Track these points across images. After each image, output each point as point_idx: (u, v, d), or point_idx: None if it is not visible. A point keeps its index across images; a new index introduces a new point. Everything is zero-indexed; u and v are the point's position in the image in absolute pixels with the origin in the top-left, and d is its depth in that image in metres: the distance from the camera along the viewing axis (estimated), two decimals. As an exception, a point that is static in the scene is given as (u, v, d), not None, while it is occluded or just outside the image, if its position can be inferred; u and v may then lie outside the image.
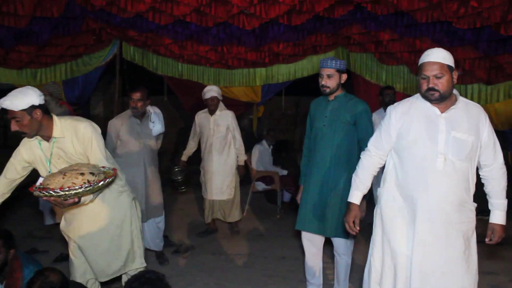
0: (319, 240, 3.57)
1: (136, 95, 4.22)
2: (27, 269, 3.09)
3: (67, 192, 2.36)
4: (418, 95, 2.66)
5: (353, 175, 2.88)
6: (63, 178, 2.42)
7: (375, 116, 5.56)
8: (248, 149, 6.40)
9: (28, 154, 2.79)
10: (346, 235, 3.33)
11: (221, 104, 5.44)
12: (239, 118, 11.57)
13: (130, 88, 4.34)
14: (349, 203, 2.83)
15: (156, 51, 6.99)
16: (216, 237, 5.44)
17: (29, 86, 2.68)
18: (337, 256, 3.58)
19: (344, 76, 3.41)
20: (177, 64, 7.29)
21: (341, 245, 3.50)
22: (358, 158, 2.97)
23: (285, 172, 6.69)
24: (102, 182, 2.48)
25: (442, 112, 2.53)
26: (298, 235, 5.29)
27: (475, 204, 2.62)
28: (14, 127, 2.60)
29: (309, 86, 9.26)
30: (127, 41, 6.93)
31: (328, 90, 3.39)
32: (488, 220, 2.70)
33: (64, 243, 3.35)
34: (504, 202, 2.67)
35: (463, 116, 2.52)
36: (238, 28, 6.04)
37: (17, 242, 3.47)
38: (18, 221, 6.02)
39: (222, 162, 5.35)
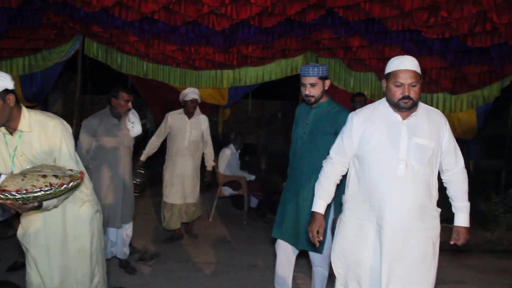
0: (293, 249, 3.47)
1: (130, 97, 4.14)
2: None
3: (24, 195, 2.13)
4: (380, 101, 2.66)
5: (316, 183, 2.81)
6: (23, 180, 2.21)
7: None
8: (214, 153, 6.25)
9: None
10: (316, 248, 3.21)
11: (197, 108, 5.33)
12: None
13: (117, 88, 4.18)
14: (313, 212, 2.75)
15: (121, 49, 6.72)
16: (182, 244, 5.25)
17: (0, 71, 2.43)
18: (314, 268, 3.49)
19: (328, 82, 3.29)
20: (142, 63, 7.03)
21: (317, 257, 3.41)
22: None
23: (252, 177, 6.57)
24: (65, 186, 2.23)
25: (403, 118, 2.54)
26: (267, 242, 5.22)
27: (439, 210, 2.62)
28: None
29: (274, 90, 9.22)
30: (90, 37, 6.62)
31: (313, 99, 3.25)
32: (453, 228, 2.73)
33: (19, 249, 3.07)
34: (467, 205, 2.72)
35: (424, 123, 2.54)
36: (208, 28, 5.89)
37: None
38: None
39: (195, 166, 5.28)
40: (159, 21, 5.73)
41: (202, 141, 5.36)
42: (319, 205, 2.74)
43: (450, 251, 5.02)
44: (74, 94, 6.94)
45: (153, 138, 5.33)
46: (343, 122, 3.00)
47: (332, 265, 2.75)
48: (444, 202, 2.72)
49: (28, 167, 2.43)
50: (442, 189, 2.68)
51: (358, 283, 2.62)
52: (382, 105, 2.63)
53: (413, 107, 2.50)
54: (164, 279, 4.20)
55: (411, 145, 2.50)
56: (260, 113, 11.25)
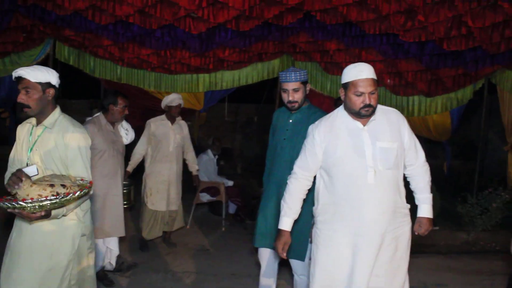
0: (275, 257, 3.43)
1: (127, 103, 4.05)
2: None
3: (30, 204, 2.16)
4: (338, 110, 2.68)
5: (282, 201, 2.79)
6: (31, 187, 2.24)
7: None
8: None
9: (20, 133, 2.66)
10: (300, 256, 3.19)
11: None
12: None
13: (115, 94, 4.06)
14: (280, 230, 2.73)
15: (94, 53, 6.54)
16: (160, 253, 5.11)
17: None
18: (296, 277, 3.42)
19: (309, 86, 3.25)
20: (116, 67, 6.86)
21: (298, 266, 3.35)
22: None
23: (231, 183, 6.48)
24: (71, 195, 2.24)
25: (364, 125, 2.56)
26: (247, 249, 5.14)
27: (408, 205, 2.68)
28: (21, 97, 2.49)
29: (249, 93, 9.16)
30: (61, 41, 6.41)
31: (297, 105, 3.20)
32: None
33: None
34: (429, 196, 2.79)
35: (384, 125, 2.58)
36: (184, 32, 5.80)
37: None
38: None
39: (179, 171, 5.25)
40: (134, 24, 5.61)
41: (183, 147, 5.35)
42: (285, 223, 2.73)
43: (429, 253, 5.07)
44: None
45: (138, 147, 5.19)
46: None
47: (312, 278, 2.71)
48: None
49: (37, 162, 2.51)
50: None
51: None
52: (340, 114, 2.65)
53: (373, 113, 2.54)
54: (144, 291, 4.07)
55: (376, 151, 2.53)
56: (235, 117, 11.17)
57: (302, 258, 3.24)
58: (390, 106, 6.86)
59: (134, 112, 6.91)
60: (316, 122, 2.72)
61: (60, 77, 2.69)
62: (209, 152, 6.60)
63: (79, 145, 2.55)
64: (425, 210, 2.79)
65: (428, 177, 2.77)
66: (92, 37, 6.05)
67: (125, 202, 4.51)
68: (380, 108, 2.62)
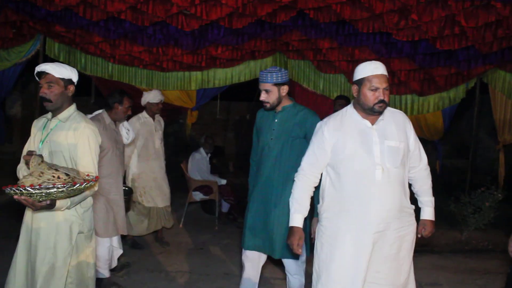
0: (262, 259, 3.42)
1: (131, 103, 4.02)
2: None
3: (37, 191, 2.20)
4: (347, 109, 2.72)
5: (290, 198, 2.79)
6: (40, 175, 2.28)
7: None
8: (181, 156, 6.12)
9: (35, 127, 2.77)
10: (294, 256, 3.17)
11: None
12: (169, 123, 11.20)
13: (121, 93, 4.03)
14: (292, 226, 2.72)
15: (85, 50, 6.45)
16: (152, 252, 5.06)
17: None
18: (289, 277, 3.41)
19: (285, 88, 3.21)
20: (108, 64, 6.78)
21: (292, 266, 3.34)
22: None
23: (224, 182, 6.43)
24: (77, 185, 2.28)
25: (372, 124, 2.60)
26: (240, 248, 5.09)
27: (413, 206, 2.70)
28: (43, 91, 2.60)
29: (241, 91, 9.12)
30: (52, 37, 6.31)
31: (268, 105, 3.21)
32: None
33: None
34: (431, 199, 2.84)
35: (391, 125, 2.62)
36: (176, 29, 5.74)
37: None
38: None
39: (164, 167, 5.25)
40: (126, 21, 5.54)
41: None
42: (296, 219, 2.73)
43: (422, 252, 5.07)
44: (34, 96, 6.62)
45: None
46: (312, 125, 2.99)
47: (316, 274, 2.71)
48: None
49: (45, 155, 2.59)
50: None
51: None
52: (349, 112, 2.68)
53: (384, 110, 2.57)
54: (137, 291, 4.03)
55: (384, 149, 2.56)
56: (227, 115, 11.12)
57: (296, 257, 3.22)
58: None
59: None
60: (325, 119, 2.74)
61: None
62: (202, 150, 6.55)
63: (89, 140, 2.62)
64: (429, 212, 2.84)
65: (430, 181, 2.82)
66: (83, 34, 5.97)
67: None
68: (388, 109, 2.64)
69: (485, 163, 9.57)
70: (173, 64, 6.81)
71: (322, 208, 2.72)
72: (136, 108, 5.59)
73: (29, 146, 2.74)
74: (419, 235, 2.81)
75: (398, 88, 6.89)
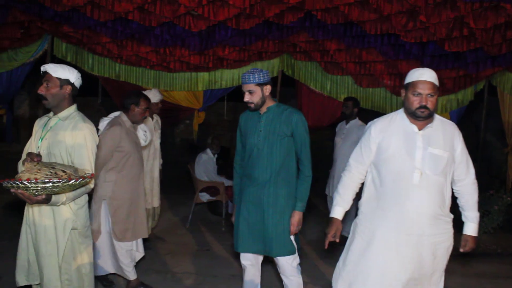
0: (259, 260, 3.45)
1: (149, 104, 3.99)
2: None
3: (33, 185, 2.28)
4: (397, 112, 2.80)
5: (335, 192, 2.96)
6: (38, 172, 2.36)
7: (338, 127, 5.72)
8: (187, 157, 6.12)
9: (37, 125, 2.88)
10: (289, 251, 3.22)
11: None
12: (175, 124, 11.18)
13: (138, 94, 3.97)
14: (331, 217, 2.90)
15: (92, 50, 6.48)
16: (159, 253, 5.05)
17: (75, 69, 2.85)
18: (285, 280, 3.39)
19: (267, 88, 3.21)
20: (115, 64, 6.81)
21: (287, 267, 3.32)
22: (297, 170, 3.22)
23: (230, 183, 6.41)
24: (72, 181, 2.36)
25: (419, 129, 2.67)
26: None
27: (452, 216, 2.73)
28: (41, 89, 2.72)
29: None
30: (59, 37, 6.35)
31: (253, 106, 3.22)
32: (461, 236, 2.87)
33: None
34: (476, 215, 2.85)
35: (439, 134, 2.68)
36: (184, 30, 5.76)
37: None
38: None
39: (159, 167, 5.22)
40: (133, 21, 5.57)
41: None
42: (337, 212, 2.90)
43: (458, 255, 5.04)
44: (42, 97, 6.65)
45: None
46: (298, 123, 3.17)
47: (344, 261, 2.84)
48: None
49: (43, 151, 2.70)
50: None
51: (364, 284, 2.70)
52: (399, 116, 2.77)
53: (429, 117, 2.63)
54: (143, 292, 4.01)
55: (426, 155, 2.63)
56: (233, 116, 11.12)
57: (293, 252, 3.26)
58: (390, 107, 6.96)
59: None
60: (375, 120, 2.85)
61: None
62: (208, 151, 6.54)
63: (86, 138, 2.71)
64: (472, 228, 2.84)
65: (476, 196, 2.83)
66: (91, 34, 6.00)
67: None
68: (439, 118, 2.74)
69: (494, 166, 9.50)
70: (180, 64, 6.83)
71: (360, 203, 2.86)
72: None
73: (30, 144, 2.86)
74: (460, 250, 2.85)
75: (406, 90, 6.85)
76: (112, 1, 5.04)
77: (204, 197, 6.29)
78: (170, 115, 7.49)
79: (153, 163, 5.09)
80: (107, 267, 4.01)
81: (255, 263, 3.42)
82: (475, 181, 2.80)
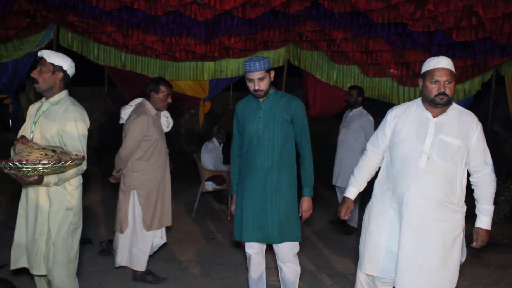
0: (264, 248, 3.45)
1: (170, 90, 3.94)
2: None
3: (24, 166, 2.38)
4: (415, 101, 2.86)
5: (351, 175, 3.09)
6: (28, 154, 2.45)
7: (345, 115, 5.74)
8: (192, 146, 6.11)
9: (30, 110, 2.98)
10: (292, 237, 3.24)
11: None
12: (180, 113, 11.17)
13: (157, 81, 3.94)
14: (345, 197, 3.04)
15: (98, 39, 6.47)
16: (165, 242, 5.07)
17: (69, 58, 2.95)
18: (283, 266, 3.39)
19: (272, 74, 3.22)
20: (120, 54, 6.81)
21: (288, 254, 3.33)
22: (297, 155, 3.25)
23: (236, 172, 6.42)
24: (62, 163, 2.46)
25: (434, 116, 2.72)
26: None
27: (464, 206, 2.74)
28: (34, 73, 2.83)
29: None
30: (65, 27, 6.34)
31: (263, 93, 3.18)
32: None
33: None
34: (490, 208, 2.81)
35: (453, 122, 2.71)
36: (190, 19, 5.73)
37: None
38: None
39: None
40: (139, 10, 5.55)
41: None
42: (351, 192, 3.04)
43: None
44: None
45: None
46: (297, 109, 3.20)
47: (360, 250, 2.96)
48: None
49: (36, 135, 2.81)
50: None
51: (376, 266, 2.83)
52: (416, 104, 2.83)
53: (448, 103, 2.67)
54: (150, 280, 4.04)
55: (436, 141, 2.68)
56: (239, 105, 11.10)
57: (298, 237, 3.28)
58: (397, 96, 6.93)
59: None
60: (394, 107, 2.95)
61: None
62: (214, 140, 6.54)
63: (76, 122, 2.81)
64: (485, 221, 2.79)
65: (492, 189, 2.79)
66: (96, 23, 5.98)
67: None
68: (458, 108, 2.76)
69: (500, 157, 9.46)
70: (186, 54, 6.81)
71: (374, 185, 2.96)
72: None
73: (24, 128, 2.96)
74: (472, 245, 2.81)
75: (413, 80, 6.80)
76: (118, -10, 5.03)
77: (210, 186, 6.30)
78: (176, 105, 7.47)
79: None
80: (123, 259, 4.01)
81: (260, 251, 3.43)
82: (492, 174, 2.77)
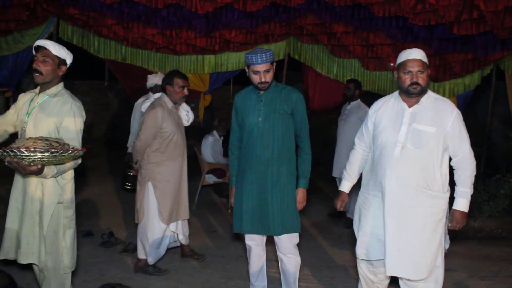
0: (264, 240, 3.49)
1: (186, 83, 3.98)
2: None
3: (32, 154, 2.33)
4: (394, 94, 3.01)
5: (343, 170, 3.28)
6: (34, 143, 2.42)
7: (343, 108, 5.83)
8: (192, 139, 6.12)
9: (22, 100, 2.92)
10: (292, 228, 3.27)
11: None
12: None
13: (172, 74, 4.00)
14: (340, 190, 3.26)
15: (98, 32, 6.45)
16: (166, 234, 5.10)
17: None
18: (283, 257, 3.42)
19: (275, 65, 3.26)
20: (121, 47, 6.77)
21: (288, 245, 3.36)
22: (296, 148, 3.32)
23: (236, 165, 6.44)
24: (69, 152, 2.46)
25: (409, 107, 2.86)
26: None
27: (447, 192, 2.86)
28: (38, 63, 2.77)
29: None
30: (65, 20, 6.31)
31: (267, 85, 3.21)
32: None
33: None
34: (467, 191, 2.88)
35: (428, 110, 2.82)
36: (190, 12, 5.70)
37: None
38: None
39: None
40: (140, 3, 5.52)
41: None
42: (344, 185, 3.25)
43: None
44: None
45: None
46: (298, 101, 3.25)
47: (357, 227, 3.15)
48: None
49: (30, 126, 2.77)
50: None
51: (367, 251, 3.02)
52: (394, 97, 2.99)
53: (421, 93, 2.81)
54: (150, 271, 4.06)
55: (410, 130, 2.81)
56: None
57: (297, 228, 3.31)
58: (397, 90, 6.92)
59: (139, 93, 6.86)
60: (376, 101, 3.10)
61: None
62: (215, 133, 6.56)
63: (74, 116, 2.80)
64: (460, 203, 2.87)
65: (470, 172, 2.86)
66: (97, 16, 5.96)
67: (129, 184, 4.47)
68: (435, 96, 2.88)
69: (500, 151, 9.47)
70: (187, 47, 6.79)
71: (362, 175, 3.18)
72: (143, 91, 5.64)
73: (8, 114, 2.94)
74: (448, 225, 2.90)
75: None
76: (118, -18, 5.01)
77: (211, 179, 6.32)
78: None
79: None
80: (139, 251, 4.06)
81: (260, 243, 3.47)
82: (470, 157, 2.85)
